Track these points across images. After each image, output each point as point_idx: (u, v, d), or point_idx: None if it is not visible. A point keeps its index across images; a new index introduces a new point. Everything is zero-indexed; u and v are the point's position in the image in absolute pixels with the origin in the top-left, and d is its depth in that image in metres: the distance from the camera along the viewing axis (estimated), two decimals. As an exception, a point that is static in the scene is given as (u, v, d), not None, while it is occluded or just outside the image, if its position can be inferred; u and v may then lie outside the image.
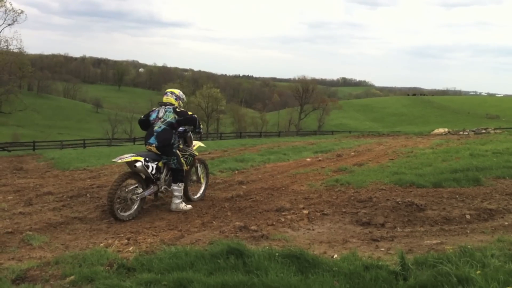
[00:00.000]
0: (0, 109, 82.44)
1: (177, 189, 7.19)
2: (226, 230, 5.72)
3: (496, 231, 5.33)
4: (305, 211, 6.58)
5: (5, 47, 46.52)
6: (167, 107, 7.27)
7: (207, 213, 6.89)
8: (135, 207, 6.78)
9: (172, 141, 7.13)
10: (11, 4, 43.91)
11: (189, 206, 7.28)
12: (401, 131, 30.18)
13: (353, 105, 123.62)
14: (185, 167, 7.45)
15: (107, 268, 4.25)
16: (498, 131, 25.05)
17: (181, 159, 7.35)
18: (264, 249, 4.62)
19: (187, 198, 7.66)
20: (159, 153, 7.09)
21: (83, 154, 20.38)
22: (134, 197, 6.76)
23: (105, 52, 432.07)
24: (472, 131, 25.23)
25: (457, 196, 7.01)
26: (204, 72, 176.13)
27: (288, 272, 3.99)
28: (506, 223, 5.68)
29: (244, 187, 8.90)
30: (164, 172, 7.23)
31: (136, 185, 6.89)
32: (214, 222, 6.32)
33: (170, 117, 7.13)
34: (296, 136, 46.58)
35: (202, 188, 8.15)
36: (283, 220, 6.17)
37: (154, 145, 7.05)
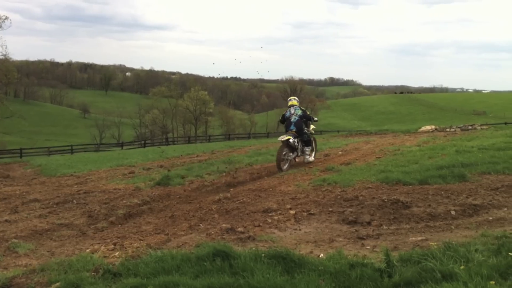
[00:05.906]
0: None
1: (307, 150, 11.99)
2: (213, 232, 5.71)
3: (481, 226, 5.39)
4: (292, 212, 6.59)
5: (-10, 54, 46.14)
6: (295, 106, 12.08)
7: (194, 216, 6.88)
8: (287, 164, 11.28)
9: (303, 126, 11.87)
10: (-6, 11, 43.74)
11: (313, 158, 12.24)
12: (389, 129, 30.30)
13: (341, 104, 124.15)
14: (311, 138, 12.28)
15: (93, 274, 4.23)
16: (484, 127, 25.23)
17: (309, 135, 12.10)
18: (251, 250, 4.63)
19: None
20: (296, 134, 11.52)
21: (71, 160, 20.29)
22: (287, 157, 11.32)
23: (91, 57, 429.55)
24: (459, 127, 25.39)
25: (442, 192, 7.07)
26: (192, 75, 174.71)
27: (274, 273, 4.00)
28: (491, 218, 5.74)
29: (231, 189, 8.90)
30: (299, 144, 11.62)
31: (287, 151, 11.30)
32: (201, 224, 6.31)
33: (299, 112, 11.92)
34: (285, 136, 46.51)
35: (314, 153, 12.63)
36: (270, 221, 6.18)
37: (294, 129, 11.61)
